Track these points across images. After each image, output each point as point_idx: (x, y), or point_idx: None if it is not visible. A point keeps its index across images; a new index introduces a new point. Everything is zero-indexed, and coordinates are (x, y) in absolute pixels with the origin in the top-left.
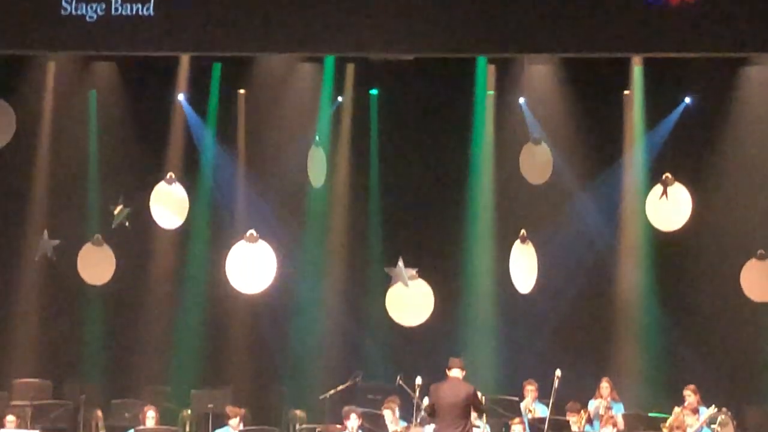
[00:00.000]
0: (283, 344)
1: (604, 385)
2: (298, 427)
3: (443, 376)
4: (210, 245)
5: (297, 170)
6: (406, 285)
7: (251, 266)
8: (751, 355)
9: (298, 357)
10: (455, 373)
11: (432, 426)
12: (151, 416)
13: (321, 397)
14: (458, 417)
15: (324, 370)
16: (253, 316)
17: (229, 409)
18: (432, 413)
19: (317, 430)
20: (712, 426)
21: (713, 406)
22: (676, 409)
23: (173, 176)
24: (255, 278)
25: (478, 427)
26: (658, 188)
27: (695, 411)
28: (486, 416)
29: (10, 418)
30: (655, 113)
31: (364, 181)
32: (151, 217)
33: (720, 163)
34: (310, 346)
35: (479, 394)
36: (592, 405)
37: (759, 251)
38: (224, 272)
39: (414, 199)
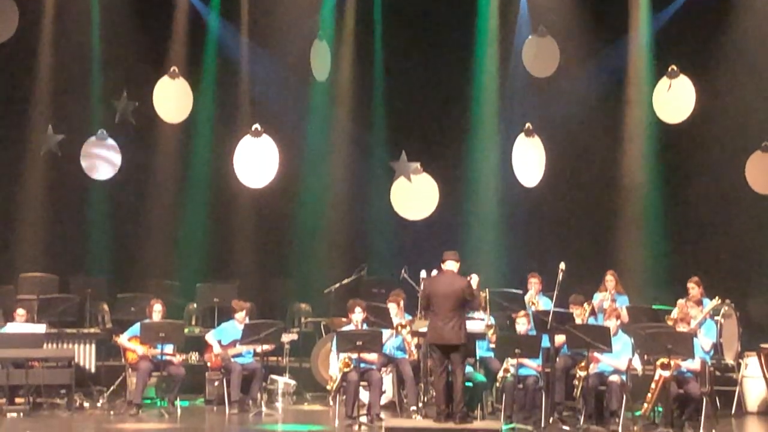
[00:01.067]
0: (288, 238)
1: (609, 278)
2: (303, 320)
3: (440, 268)
4: (214, 139)
5: (301, 64)
6: (409, 179)
7: (256, 160)
8: (754, 247)
9: (303, 251)
10: (450, 265)
11: None
12: (157, 310)
13: (326, 290)
14: (452, 309)
15: (329, 264)
16: (258, 211)
17: (235, 303)
18: (426, 306)
19: (322, 323)
20: (716, 317)
21: (717, 297)
22: (680, 302)
23: (177, 70)
24: (259, 172)
25: (482, 319)
26: (665, 81)
27: (699, 303)
28: (489, 308)
29: (21, 312)
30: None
31: (368, 76)
32: (155, 111)
33: (726, 54)
34: (315, 241)
35: (484, 288)
36: (597, 298)
37: (764, 143)
38: (229, 166)
39: (418, 93)
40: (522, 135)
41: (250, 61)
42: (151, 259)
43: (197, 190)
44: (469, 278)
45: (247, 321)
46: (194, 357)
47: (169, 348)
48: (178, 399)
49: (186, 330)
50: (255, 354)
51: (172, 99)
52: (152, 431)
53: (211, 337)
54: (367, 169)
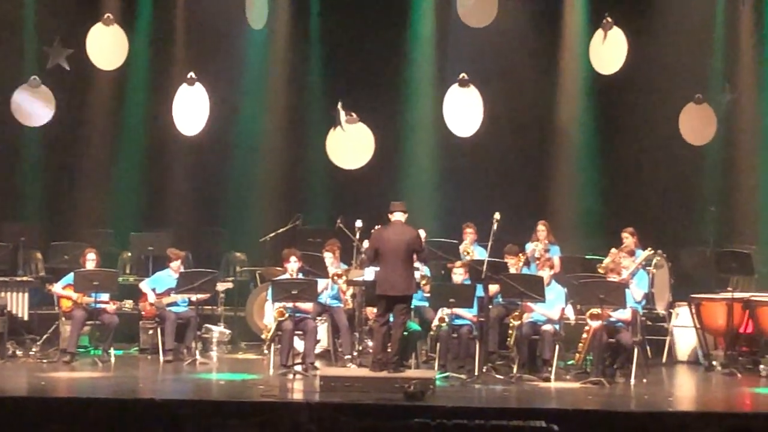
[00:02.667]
0: (223, 187)
1: (541, 228)
2: (238, 269)
3: (383, 219)
4: (149, 87)
5: (237, 12)
6: (343, 129)
7: (190, 109)
8: (687, 199)
9: (239, 200)
10: (398, 216)
11: (371, 269)
12: (91, 258)
13: (261, 239)
14: (403, 260)
15: (264, 212)
16: (193, 160)
17: (170, 252)
18: (373, 257)
19: (257, 272)
20: (648, 268)
21: (649, 248)
22: (613, 251)
23: (111, 17)
24: (193, 121)
25: (418, 269)
26: (600, 33)
27: (631, 253)
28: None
29: None
30: None
31: (305, 24)
32: (88, 58)
33: (659, 7)
34: (250, 190)
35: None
36: (529, 247)
37: (697, 95)
38: (164, 114)
39: (354, 43)
40: (456, 85)
41: (185, 9)
42: (85, 208)
43: (132, 138)
44: (417, 232)
45: (182, 270)
46: (128, 305)
47: (103, 297)
48: (111, 348)
49: (120, 279)
50: (190, 303)
51: (106, 46)
52: (86, 380)
53: (145, 285)
54: (302, 119)
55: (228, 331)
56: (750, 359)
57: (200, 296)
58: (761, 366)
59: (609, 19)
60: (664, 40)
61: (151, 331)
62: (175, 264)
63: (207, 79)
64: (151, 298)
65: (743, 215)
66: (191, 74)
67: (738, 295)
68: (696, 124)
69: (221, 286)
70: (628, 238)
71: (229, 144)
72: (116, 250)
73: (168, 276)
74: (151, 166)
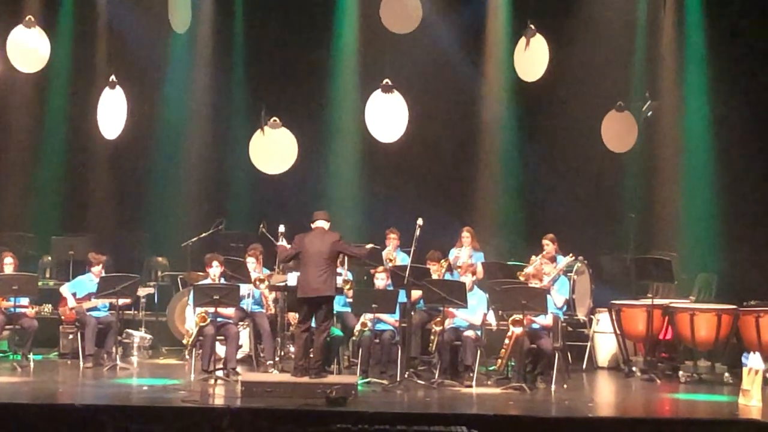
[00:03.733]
0: (145, 191)
1: (465, 234)
2: (159, 274)
3: (307, 224)
4: (71, 90)
5: (160, 15)
6: (265, 133)
7: (111, 112)
8: (608, 205)
9: (161, 204)
10: (320, 224)
11: (294, 274)
12: (8, 262)
13: (183, 244)
14: (323, 264)
15: (186, 217)
16: (116, 163)
17: (91, 256)
18: (291, 257)
19: (179, 277)
20: (569, 274)
21: (570, 254)
22: (533, 258)
23: (32, 19)
24: (115, 124)
25: (340, 274)
26: (523, 40)
27: (553, 259)
28: (346, 264)
29: None
30: None
31: (228, 29)
32: (8, 61)
33: (581, 15)
34: (172, 194)
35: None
36: (452, 254)
37: (618, 103)
38: (85, 118)
39: (278, 47)
40: (378, 91)
41: (108, 12)
42: (5, 211)
43: (53, 141)
44: (339, 235)
45: (103, 274)
46: (48, 310)
47: (23, 301)
48: (31, 352)
49: (40, 283)
50: (110, 307)
51: (27, 48)
52: (5, 385)
53: (65, 289)
54: (225, 123)
55: (149, 336)
56: (669, 365)
57: (121, 301)
58: (680, 372)
59: (532, 27)
60: (587, 47)
61: (71, 336)
62: (96, 268)
63: (129, 83)
64: (72, 302)
65: (663, 222)
66: (113, 77)
67: (658, 301)
68: (617, 132)
69: (142, 291)
70: (549, 245)
71: (151, 148)
72: (37, 253)
73: (89, 280)
74: (73, 169)
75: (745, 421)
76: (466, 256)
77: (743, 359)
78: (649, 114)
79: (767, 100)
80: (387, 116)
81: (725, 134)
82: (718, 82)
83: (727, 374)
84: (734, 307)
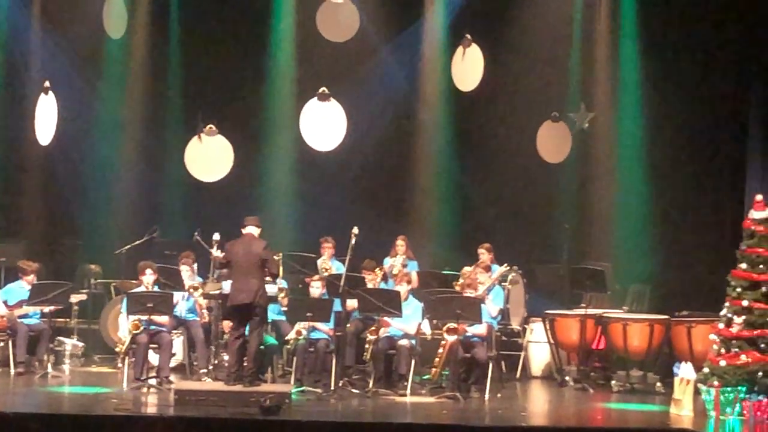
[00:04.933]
0: (78, 198)
1: (400, 243)
2: (93, 281)
3: (241, 233)
4: (4, 95)
5: (95, 21)
6: (201, 141)
7: (45, 118)
8: (543, 216)
9: (94, 211)
10: (250, 230)
11: (229, 282)
12: None
13: (117, 251)
14: (252, 271)
15: (120, 224)
16: (48, 170)
17: (22, 263)
18: (222, 267)
19: (112, 284)
20: (503, 284)
21: (505, 264)
22: (467, 268)
23: None
24: (47, 129)
25: (275, 283)
26: (461, 50)
27: (487, 269)
28: (282, 272)
29: None
30: None
31: (164, 35)
32: None
33: (518, 26)
34: (105, 200)
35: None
36: (387, 262)
37: (553, 113)
38: (17, 123)
39: (215, 55)
40: (315, 99)
41: (42, 17)
42: None
43: None
44: (265, 243)
45: (35, 281)
46: None
47: None
48: None
49: None
50: (42, 315)
51: None
52: None
53: None
54: (161, 130)
55: (81, 344)
56: (602, 375)
57: (53, 308)
58: (613, 381)
59: (468, 37)
60: (523, 58)
61: (2, 344)
62: (28, 276)
63: (63, 88)
64: (2, 310)
65: (597, 232)
66: (47, 83)
67: (591, 311)
68: (552, 142)
69: (75, 298)
70: (484, 254)
71: (86, 154)
72: None
73: (20, 288)
74: (4, 175)
75: (677, 431)
76: (400, 265)
77: (675, 369)
78: (586, 125)
79: (699, 109)
80: (323, 124)
81: (658, 145)
82: (652, 92)
83: (659, 384)
84: (666, 317)
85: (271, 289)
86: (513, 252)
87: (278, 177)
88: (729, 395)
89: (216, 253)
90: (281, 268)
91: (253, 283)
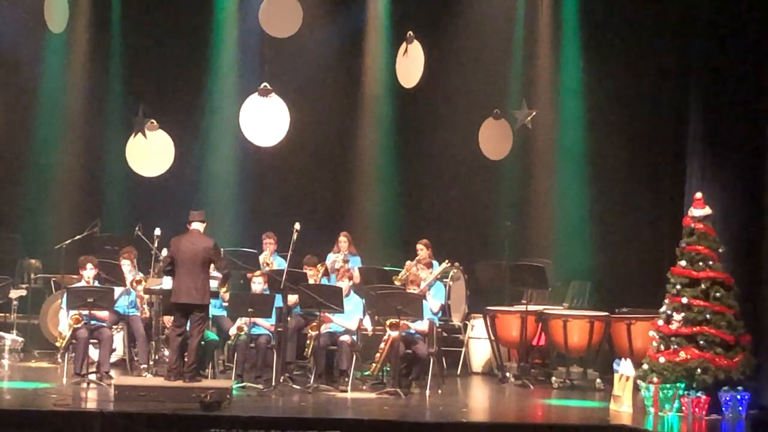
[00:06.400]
0: (16, 191)
1: (342, 239)
2: (32, 276)
3: (183, 227)
4: None
5: (36, 15)
6: (144, 136)
7: None
8: (484, 212)
9: (34, 206)
10: (196, 226)
11: (169, 278)
12: None
13: (57, 246)
14: (197, 268)
15: (61, 219)
16: None
17: None
18: (170, 265)
19: (53, 279)
20: (445, 280)
21: (446, 260)
22: (409, 263)
23: None
24: None
25: (215, 278)
26: (404, 46)
27: (429, 265)
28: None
29: None
30: None
31: (106, 29)
32: None
33: (460, 23)
34: (46, 194)
35: (220, 248)
36: (330, 258)
37: (495, 111)
38: None
39: (157, 49)
40: (255, 95)
41: None
42: None
43: None
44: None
45: None
46: None
47: None
48: None
49: None
50: None
51: None
52: None
53: None
54: (102, 124)
55: (21, 339)
56: (542, 371)
57: None
58: (553, 378)
59: (411, 33)
60: (466, 55)
61: None
62: None
63: (2, 81)
64: None
65: (538, 229)
66: None
67: (532, 307)
68: (494, 139)
69: (15, 293)
70: (423, 250)
71: (25, 147)
72: None
73: None
74: None
75: (616, 427)
76: (341, 261)
77: (615, 366)
78: (528, 121)
79: (639, 107)
80: (264, 120)
81: (599, 142)
82: (593, 89)
83: (598, 380)
84: (606, 314)
85: (211, 284)
86: (454, 248)
87: (220, 172)
88: (668, 392)
89: (162, 254)
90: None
91: (198, 282)
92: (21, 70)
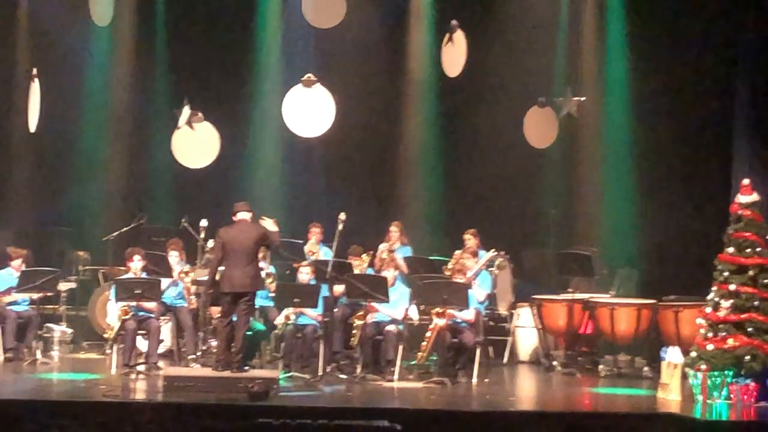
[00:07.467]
0: (66, 185)
1: (393, 229)
2: (81, 268)
3: (228, 218)
4: None
5: (81, 8)
6: (192, 127)
7: (31, 105)
8: (530, 201)
9: (82, 199)
10: (243, 215)
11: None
12: None
13: (104, 238)
14: (248, 257)
15: (108, 211)
16: (35, 157)
17: (10, 250)
18: (220, 255)
19: (100, 271)
20: (491, 269)
21: (493, 249)
22: (457, 253)
23: None
24: (33, 117)
25: (263, 268)
26: (447, 35)
27: (474, 254)
28: (269, 258)
29: None
30: None
31: (151, 22)
32: None
33: (503, 10)
34: (94, 188)
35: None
36: (381, 248)
37: (540, 99)
38: (5, 111)
39: (201, 41)
40: (299, 86)
41: (29, 3)
42: None
43: None
44: (262, 219)
45: (23, 268)
46: None
47: None
48: None
49: None
50: (31, 302)
51: None
52: None
53: None
54: (148, 117)
55: (70, 331)
56: (589, 359)
57: (41, 295)
58: (600, 366)
59: (454, 22)
60: (509, 43)
61: None
62: (16, 262)
63: (50, 76)
64: None
65: (584, 217)
66: (34, 71)
67: (578, 296)
68: (539, 127)
69: (63, 285)
70: (470, 239)
71: (73, 141)
72: None
73: (8, 275)
74: None
75: (664, 415)
76: (387, 251)
77: (662, 353)
78: (574, 110)
79: (686, 93)
80: (308, 111)
81: (645, 129)
82: (639, 76)
83: (646, 368)
84: (654, 301)
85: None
86: (500, 237)
87: (266, 162)
88: (716, 379)
89: (209, 245)
90: (268, 255)
91: (249, 270)
92: (67, 63)
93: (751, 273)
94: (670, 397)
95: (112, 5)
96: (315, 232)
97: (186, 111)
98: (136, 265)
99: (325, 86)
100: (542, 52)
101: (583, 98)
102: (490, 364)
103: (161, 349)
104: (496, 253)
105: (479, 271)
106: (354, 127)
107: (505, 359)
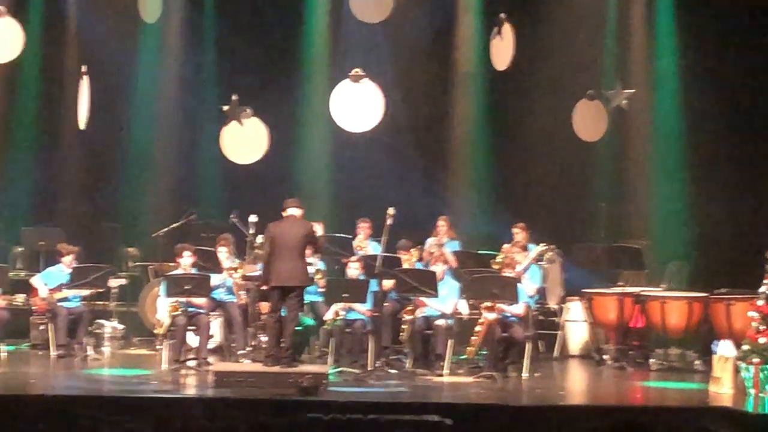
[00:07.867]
0: (116, 181)
1: (441, 224)
2: (131, 264)
3: (277, 214)
4: (43, 80)
5: (130, 5)
6: (241, 123)
7: (82, 102)
8: (579, 194)
9: (132, 195)
10: (293, 211)
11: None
12: None
13: (154, 234)
14: (296, 253)
15: (157, 208)
16: (85, 154)
17: (61, 247)
18: (270, 250)
19: (150, 267)
20: (540, 263)
21: (542, 243)
22: (506, 247)
23: (3, 9)
24: (83, 114)
25: (311, 264)
26: (495, 29)
27: (524, 248)
28: (320, 254)
29: None
30: None
31: (199, 18)
32: None
33: (551, 3)
34: (143, 184)
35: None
36: (428, 243)
37: (589, 91)
38: (57, 108)
39: (249, 37)
40: (347, 81)
41: (78, 4)
42: None
43: (24, 131)
44: (312, 225)
45: (74, 265)
46: (19, 300)
47: None
48: (2, 343)
49: (11, 273)
50: (82, 298)
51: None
52: None
53: (37, 280)
54: (197, 113)
55: (121, 327)
56: (640, 353)
57: (92, 291)
58: (651, 360)
59: (502, 15)
60: (557, 36)
61: (42, 327)
62: (67, 259)
63: (99, 73)
64: (43, 292)
65: (634, 210)
66: (84, 68)
67: (629, 289)
68: (588, 120)
69: (114, 282)
70: (519, 233)
71: (122, 138)
72: (7, 244)
73: (59, 271)
74: (43, 158)
75: (716, 409)
76: (435, 245)
77: (714, 347)
78: (624, 102)
79: (737, 86)
80: (356, 105)
81: (695, 122)
82: (689, 69)
83: (698, 362)
84: (705, 294)
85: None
86: (549, 231)
87: (314, 158)
88: None
89: (258, 241)
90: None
91: (299, 265)
92: (116, 60)
93: None
94: (722, 391)
95: (160, 2)
96: (363, 228)
97: (235, 107)
98: (185, 261)
99: (373, 81)
100: (591, 45)
101: (632, 90)
102: (540, 359)
103: (211, 344)
104: (546, 246)
105: (529, 265)
106: (402, 121)
107: (556, 353)
